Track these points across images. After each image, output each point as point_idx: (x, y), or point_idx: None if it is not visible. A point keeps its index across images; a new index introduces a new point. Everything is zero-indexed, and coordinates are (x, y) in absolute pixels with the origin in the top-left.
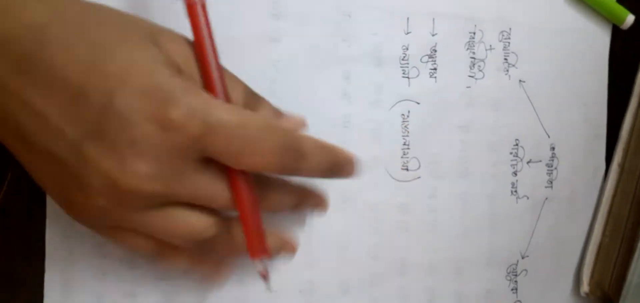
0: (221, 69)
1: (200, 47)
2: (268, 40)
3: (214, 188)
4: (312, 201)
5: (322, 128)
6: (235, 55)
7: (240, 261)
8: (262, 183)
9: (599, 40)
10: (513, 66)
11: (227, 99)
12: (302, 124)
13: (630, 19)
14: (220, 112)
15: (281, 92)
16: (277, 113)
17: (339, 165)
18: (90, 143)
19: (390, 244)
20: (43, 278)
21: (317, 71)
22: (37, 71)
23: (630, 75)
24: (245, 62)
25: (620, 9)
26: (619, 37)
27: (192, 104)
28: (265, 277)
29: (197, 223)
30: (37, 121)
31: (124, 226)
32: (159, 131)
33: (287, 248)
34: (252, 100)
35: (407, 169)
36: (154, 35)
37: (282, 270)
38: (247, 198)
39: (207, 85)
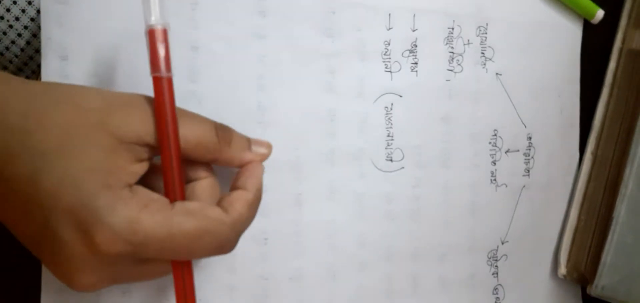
0: (178, 143)
1: (160, 121)
2: (254, 36)
3: (159, 268)
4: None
5: (308, 122)
6: (222, 52)
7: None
8: None
9: (571, 34)
10: (490, 59)
11: (181, 173)
12: (269, 148)
13: (600, 13)
14: (146, 227)
15: (267, 88)
16: (247, 141)
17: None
18: (39, 250)
19: (376, 232)
20: (40, 273)
21: (302, 66)
22: None
23: (601, 67)
24: (231, 58)
25: (590, 5)
26: (590, 31)
27: (116, 225)
28: None
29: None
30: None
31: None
32: (88, 251)
33: None
34: (223, 133)
35: (391, 160)
36: (103, 113)
37: (273, 258)
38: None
39: (163, 160)
